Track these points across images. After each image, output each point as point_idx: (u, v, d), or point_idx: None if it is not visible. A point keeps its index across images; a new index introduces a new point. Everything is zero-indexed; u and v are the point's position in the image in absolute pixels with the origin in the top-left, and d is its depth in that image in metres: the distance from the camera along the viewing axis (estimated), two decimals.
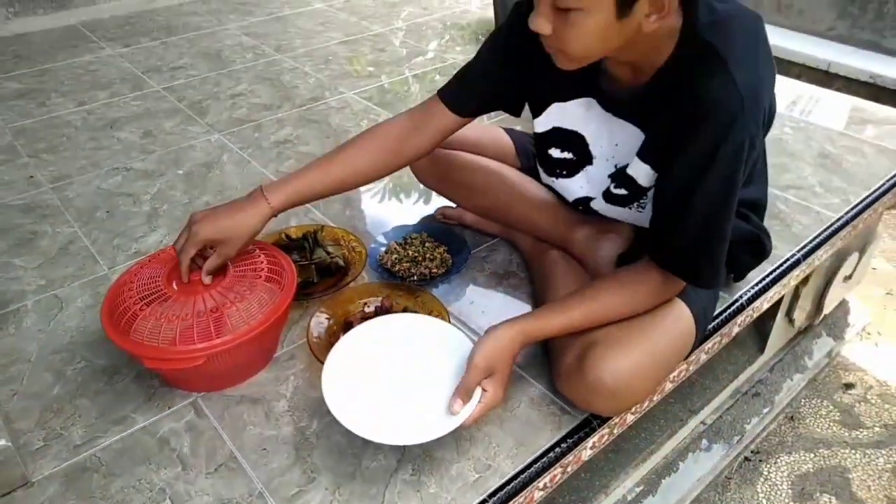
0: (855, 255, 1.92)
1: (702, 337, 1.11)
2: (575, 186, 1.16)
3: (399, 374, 1.02)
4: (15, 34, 2.72)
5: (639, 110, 0.99)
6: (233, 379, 1.12)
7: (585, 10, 0.80)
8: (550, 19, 0.84)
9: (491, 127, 1.49)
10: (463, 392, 0.92)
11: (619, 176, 1.06)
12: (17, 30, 2.76)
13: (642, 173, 1.02)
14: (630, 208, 1.10)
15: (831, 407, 1.92)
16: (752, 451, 1.77)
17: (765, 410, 1.81)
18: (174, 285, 1.07)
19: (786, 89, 2.17)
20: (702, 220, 0.91)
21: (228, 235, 1.03)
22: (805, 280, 1.77)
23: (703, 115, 0.86)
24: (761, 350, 1.83)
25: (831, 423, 1.86)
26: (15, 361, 1.18)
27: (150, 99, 2.17)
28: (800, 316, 1.85)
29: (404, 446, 1.00)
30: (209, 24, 2.82)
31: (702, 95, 0.86)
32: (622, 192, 1.08)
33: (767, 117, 0.91)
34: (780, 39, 3.58)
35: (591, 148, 1.09)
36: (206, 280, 1.06)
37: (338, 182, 1.10)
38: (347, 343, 1.05)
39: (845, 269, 1.90)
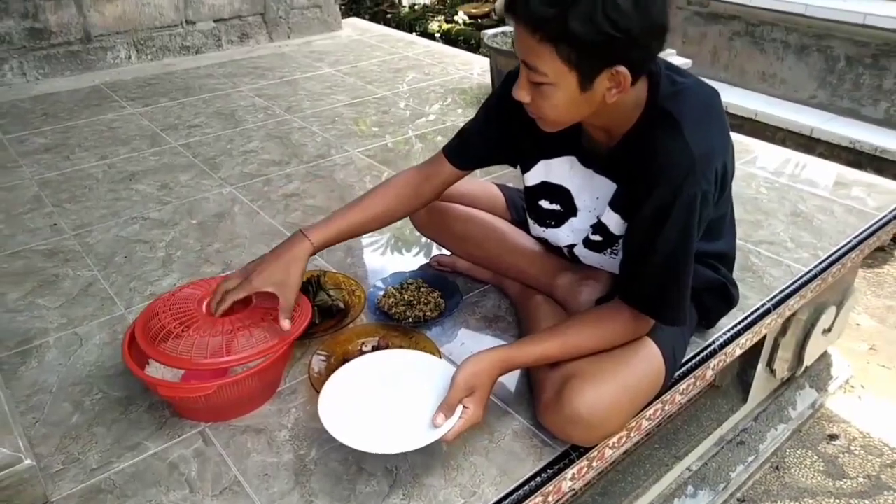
0: (833, 309, 2.01)
1: (673, 376, 1.20)
2: (562, 235, 1.28)
3: (388, 396, 1.12)
4: (44, 93, 2.90)
5: (612, 167, 1.12)
6: (239, 410, 1.21)
7: (554, 85, 0.95)
8: (529, 91, 0.99)
9: (484, 182, 1.61)
10: (446, 407, 1.03)
11: (597, 224, 1.19)
12: (45, 90, 2.94)
13: (613, 222, 1.15)
14: (605, 254, 1.22)
15: (816, 457, 1.97)
16: (738, 500, 1.82)
17: (750, 459, 1.87)
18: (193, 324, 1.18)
19: (768, 153, 2.31)
20: (662, 262, 1.03)
21: (282, 285, 1.15)
22: (783, 331, 1.86)
23: (661, 171, 0.99)
24: (744, 399, 1.90)
25: (816, 473, 1.91)
26: (37, 392, 1.27)
27: (167, 154, 2.32)
28: (781, 367, 1.93)
29: (395, 472, 1.08)
30: (224, 87, 3.01)
31: (660, 155, 0.99)
32: (598, 238, 1.20)
33: (721, 177, 1.03)
34: (765, 106, 3.77)
35: (576, 200, 1.21)
36: (286, 325, 1.15)
37: (364, 223, 1.27)
38: (343, 372, 1.15)
39: (824, 322, 1.99)
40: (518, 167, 1.33)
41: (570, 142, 1.17)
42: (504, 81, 1.22)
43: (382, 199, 1.27)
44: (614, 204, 1.13)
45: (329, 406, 1.08)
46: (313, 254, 1.21)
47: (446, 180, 1.30)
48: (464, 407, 1.04)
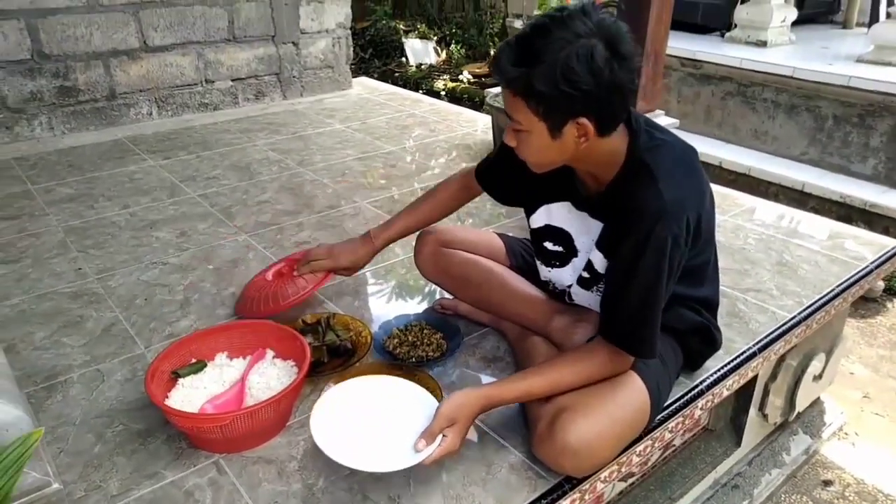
0: (822, 356, 2.08)
1: (658, 410, 1.28)
2: (566, 275, 1.39)
3: (376, 419, 1.22)
4: (69, 147, 3.06)
5: (600, 210, 1.25)
6: (252, 442, 1.28)
7: (529, 132, 1.11)
8: (513, 137, 1.15)
9: (486, 231, 1.73)
10: (428, 435, 1.12)
11: (587, 263, 1.31)
12: (70, 143, 3.11)
13: (598, 260, 1.27)
14: (592, 291, 1.34)
15: (811, 503, 2.01)
16: None
17: (744, 503, 1.91)
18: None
19: (756, 206, 2.42)
20: (637, 301, 1.13)
21: (353, 266, 1.60)
22: (773, 376, 1.93)
23: (636, 216, 1.11)
24: (738, 443, 1.95)
25: None
26: (62, 424, 1.35)
27: (185, 204, 2.45)
28: (773, 412, 1.99)
29: (398, 501, 1.15)
30: (240, 141, 3.17)
31: (636, 201, 1.12)
32: (587, 275, 1.32)
33: (695, 227, 1.14)
34: (759, 162, 3.92)
35: (576, 242, 1.33)
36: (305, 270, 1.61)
37: (417, 226, 1.59)
38: (338, 391, 1.26)
39: (814, 369, 2.05)
40: (524, 207, 1.47)
41: (566, 188, 1.30)
42: None
43: (433, 204, 1.57)
44: (599, 243, 1.25)
45: (320, 418, 1.18)
46: (378, 251, 1.59)
47: (474, 194, 1.57)
48: (443, 436, 1.13)
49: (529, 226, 1.42)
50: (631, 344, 1.17)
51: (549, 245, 1.38)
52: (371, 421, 1.21)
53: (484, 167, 1.50)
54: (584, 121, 1.07)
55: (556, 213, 1.35)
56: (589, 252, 1.31)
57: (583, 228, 1.30)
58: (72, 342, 1.62)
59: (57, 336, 1.65)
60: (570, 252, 1.35)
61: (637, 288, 1.12)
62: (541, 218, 1.38)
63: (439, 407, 1.15)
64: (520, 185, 1.38)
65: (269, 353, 1.42)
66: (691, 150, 1.21)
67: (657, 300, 1.14)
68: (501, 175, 1.45)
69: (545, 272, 1.45)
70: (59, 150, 3.02)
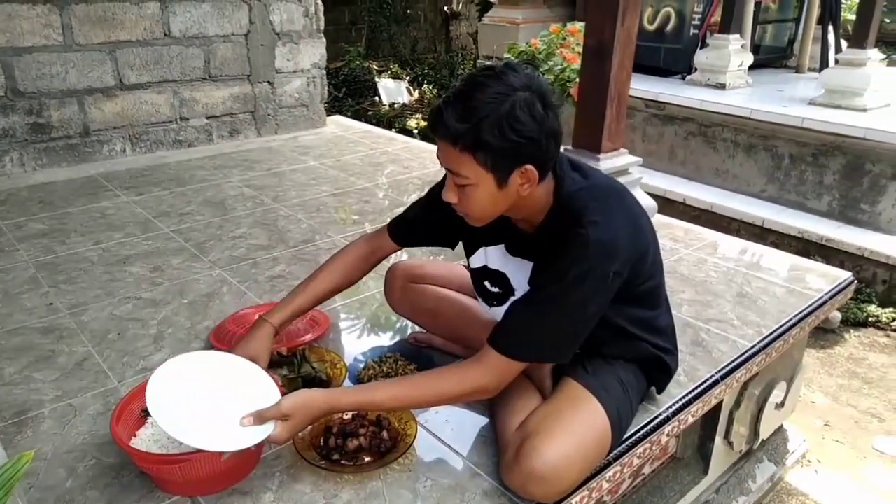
0: (783, 385, 2.15)
1: (620, 434, 1.33)
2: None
3: (214, 399, 1.24)
4: (41, 183, 3.06)
5: (531, 251, 1.31)
6: (216, 485, 1.26)
7: (476, 185, 1.15)
8: (455, 193, 1.19)
9: (455, 265, 1.77)
10: (256, 416, 1.17)
11: None
12: (42, 179, 3.10)
13: None
14: None
15: None
16: None
17: None
18: None
19: (717, 241, 2.52)
20: (533, 309, 1.18)
21: (255, 358, 1.37)
22: (737, 404, 1.99)
23: (562, 250, 1.17)
24: (705, 471, 2.00)
25: None
26: (33, 460, 1.33)
27: (159, 239, 2.45)
28: (738, 440, 2.04)
29: None
30: (214, 177, 3.19)
31: (562, 238, 1.17)
32: None
33: (636, 258, 1.21)
34: (720, 199, 4.06)
35: (512, 282, 1.37)
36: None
37: (315, 299, 1.48)
38: (175, 364, 1.28)
39: (776, 397, 2.12)
40: (454, 249, 1.53)
41: (500, 233, 1.35)
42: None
43: (330, 277, 1.49)
44: (531, 281, 1.30)
45: (158, 385, 1.21)
46: (276, 333, 1.44)
47: (389, 252, 1.53)
48: (274, 424, 1.17)
49: (469, 265, 1.47)
50: (508, 343, 1.19)
51: (487, 285, 1.43)
52: (209, 399, 1.23)
53: (401, 226, 1.50)
54: (529, 167, 1.14)
55: (492, 256, 1.40)
56: (523, 291, 1.35)
57: (518, 269, 1.35)
58: (43, 377, 1.61)
59: (27, 371, 1.64)
60: (507, 292, 1.39)
61: (538, 302, 1.18)
62: (479, 259, 1.43)
63: (281, 399, 1.20)
64: (451, 233, 1.45)
65: None
66: (617, 187, 1.29)
67: (568, 326, 1.18)
68: (427, 228, 1.48)
69: (486, 310, 1.49)
70: (31, 186, 3.01)
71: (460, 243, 1.49)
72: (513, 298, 1.38)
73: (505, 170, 1.13)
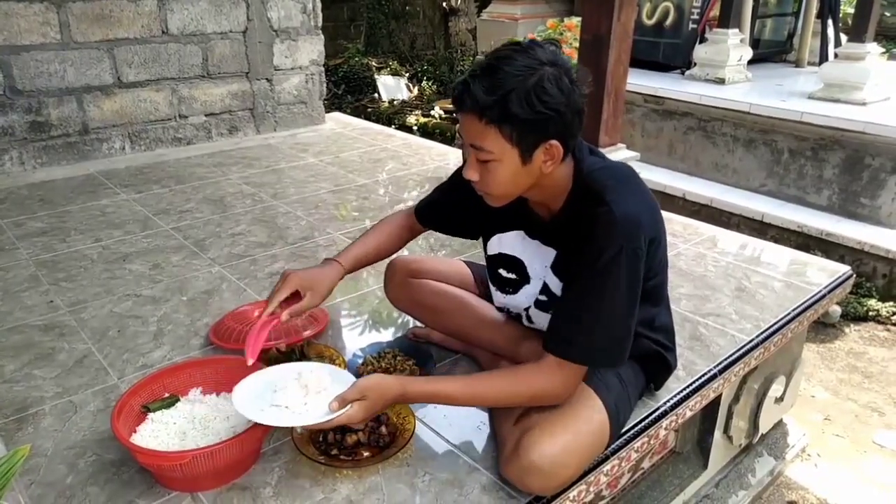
0: (783, 379, 2.16)
1: (619, 428, 1.33)
2: (521, 300, 1.44)
3: (294, 392, 1.25)
4: (40, 181, 3.06)
5: (553, 237, 1.30)
6: (217, 481, 1.26)
7: (499, 161, 1.14)
8: (477, 169, 1.18)
9: (454, 260, 1.77)
10: (340, 399, 1.17)
11: (543, 287, 1.36)
12: (42, 178, 3.10)
13: (554, 283, 1.32)
14: (549, 313, 1.36)
15: None
16: None
17: None
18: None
19: (716, 235, 2.52)
20: (594, 315, 1.16)
21: (315, 285, 1.36)
22: (736, 398, 2.00)
23: (588, 234, 1.16)
24: (704, 465, 2.00)
25: None
26: (33, 456, 1.34)
27: (159, 237, 2.46)
28: (737, 434, 2.05)
29: None
30: (213, 175, 3.19)
31: (587, 220, 1.17)
32: (544, 298, 1.36)
33: (648, 246, 1.19)
34: (720, 194, 4.06)
35: (528, 269, 1.38)
36: (285, 317, 1.33)
37: (376, 251, 1.51)
38: (262, 375, 1.31)
39: (775, 391, 2.13)
40: (477, 239, 1.52)
41: (518, 218, 1.35)
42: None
43: (378, 241, 1.52)
44: (555, 268, 1.30)
45: (245, 389, 1.26)
46: (346, 274, 1.44)
47: (417, 233, 1.57)
48: (350, 405, 1.18)
49: (485, 252, 1.47)
50: (565, 347, 1.18)
51: (503, 272, 1.43)
52: (288, 392, 1.25)
53: (425, 207, 1.53)
54: (554, 142, 1.13)
55: (508, 242, 1.40)
56: (542, 278, 1.36)
57: (535, 256, 1.35)
58: (43, 374, 1.62)
59: (28, 368, 1.64)
60: (522, 279, 1.40)
61: (588, 300, 1.16)
62: (495, 246, 1.43)
63: (357, 380, 1.21)
64: (470, 219, 1.45)
65: None
66: (632, 171, 1.29)
67: (618, 313, 1.17)
68: (448, 211, 1.50)
69: (500, 298, 1.49)
70: (30, 185, 3.01)
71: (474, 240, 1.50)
72: (527, 287, 1.39)
73: (530, 144, 1.13)
